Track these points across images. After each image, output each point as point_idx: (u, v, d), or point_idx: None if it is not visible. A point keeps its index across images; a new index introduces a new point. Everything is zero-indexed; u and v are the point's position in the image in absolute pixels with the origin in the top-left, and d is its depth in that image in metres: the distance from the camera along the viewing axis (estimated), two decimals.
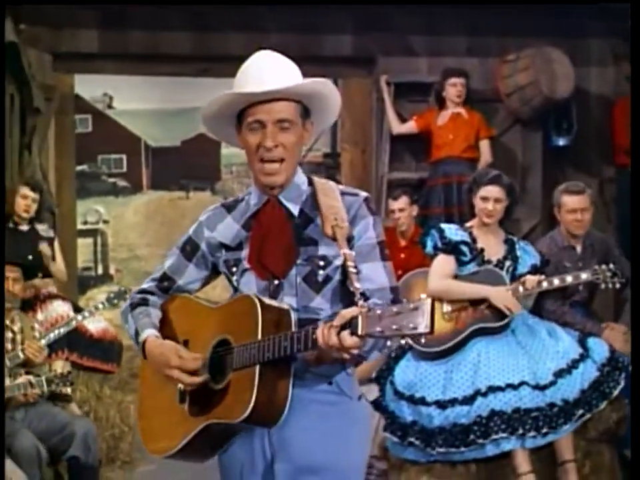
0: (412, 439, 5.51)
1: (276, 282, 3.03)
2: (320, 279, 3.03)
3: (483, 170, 6.04)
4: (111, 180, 9.00)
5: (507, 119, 8.56)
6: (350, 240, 2.98)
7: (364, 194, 3.11)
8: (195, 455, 3.17)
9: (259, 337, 2.89)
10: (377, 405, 5.78)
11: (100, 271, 9.09)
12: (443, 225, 5.80)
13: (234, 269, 3.11)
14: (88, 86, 8.60)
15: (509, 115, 8.54)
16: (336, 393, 3.02)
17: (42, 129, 7.68)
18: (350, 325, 2.67)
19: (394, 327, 2.58)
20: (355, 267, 2.88)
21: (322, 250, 3.04)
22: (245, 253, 3.09)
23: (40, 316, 6.43)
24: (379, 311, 2.62)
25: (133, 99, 8.82)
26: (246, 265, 3.08)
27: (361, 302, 2.73)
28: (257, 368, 2.87)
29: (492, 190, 5.59)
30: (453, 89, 8.12)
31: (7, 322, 5.51)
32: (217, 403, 3.00)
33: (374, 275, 3.01)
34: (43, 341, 5.55)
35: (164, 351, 3.07)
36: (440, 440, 5.41)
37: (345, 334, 2.67)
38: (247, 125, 2.99)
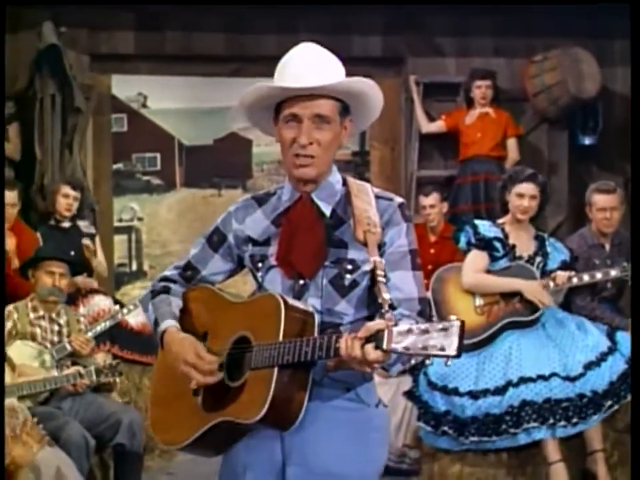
0: (445, 428, 5.64)
1: (301, 282, 2.95)
2: (347, 282, 2.94)
3: (518, 168, 6.13)
4: (145, 178, 9.07)
5: (534, 118, 8.65)
6: (381, 246, 2.92)
7: (399, 199, 3.03)
8: (203, 451, 3.12)
9: (280, 338, 2.82)
10: (411, 395, 5.92)
11: (134, 267, 9.21)
12: (477, 222, 5.94)
13: (259, 265, 3.03)
14: (123, 86, 8.77)
15: (535, 114, 8.63)
16: (353, 400, 2.96)
17: (81, 129, 7.84)
18: (375, 338, 2.60)
19: (420, 345, 2.51)
20: (385, 276, 2.84)
21: (351, 254, 2.95)
22: (272, 249, 3.01)
23: (82, 310, 6.56)
24: (406, 327, 2.56)
25: (166, 98, 8.94)
26: (272, 261, 3.00)
27: (388, 314, 2.68)
28: (275, 370, 2.80)
29: (528, 187, 5.72)
30: (478, 90, 8.27)
31: (53, 315, 5.66)
32: (232, 400, 2.93)
33: (403, 284, 2.93)
34: (90, 334, 5.68)
35: (183, 346, 3.00)
36: (472, 429, 5.54)
37: (369, 347, 2.60)
38: (283, 118, 2.93)
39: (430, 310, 2.93)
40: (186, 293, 3.17)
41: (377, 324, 2.62)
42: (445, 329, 2.48)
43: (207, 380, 2.93)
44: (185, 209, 9.57)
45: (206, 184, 9.46)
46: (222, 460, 3.09)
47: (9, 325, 5.54)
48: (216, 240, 3.11)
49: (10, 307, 5.65)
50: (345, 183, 3.04)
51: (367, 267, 2.91)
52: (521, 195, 5.74)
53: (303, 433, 2.89)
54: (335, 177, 3.03)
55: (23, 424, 4.08)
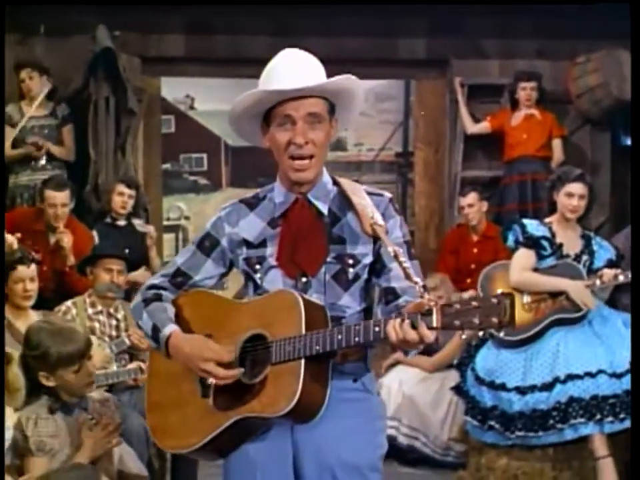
0: (492, 423, 5.73)
1: (304, 279, 3.03)
2: (350, 277, 3.04)
3: (567, 168, 6.18)
4: (192, 178, 9.23)
5: (577, 119, 8.72)
6: (376, 240, 3.03)
7: (388, 194, 3.14)
8: (210, 454, 3.14)
9: (303, 330, 2.88)
10: (458, 390, 6.04)
11: None
12: (525, 220, 6.00)
13: (257, 267, 3.08)
14: (171, 88, 8.93)
15: (578, 116, 8.69)
16: (360, 390, 3.06)
17: (134, 130, 8.00)
18: (424, 317, 2.68)
19: (475, 320, 2.61)
20: (385, 267, 3.00)
21: (350, 248, 3.04)
22: (269, 250, 3.07)
23: None
24: (457, 305, 2.64)
25: (213, 100, 9.08)
26: (272, 262, 3.06)
27: (427, 295, 2.73)
28: (302, 362, 2.86)
29: (577, 187, 5.80)
30: (523, 92, 8.36)
31: (111, 310, 5.77)
32: (252, 397, 2.96)
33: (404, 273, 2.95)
34: None
35: (195, 344, 3.03)
36: (519, 424, 5.61)
37: (424, 327, 2.68)
38: (276, 122, 2.97)
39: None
40: (177, 299, 3.20)
41: (421, 304, 2.70)
42: (498, 302, 2.59)
43: (227, 373, 2.96)
44: None
45: (251, 184, 9.57)
46: (226, 462, 3.13)
47: (68, 318, 5.69)
48: (208, 245, 3.14)
49: (68, 303, 5.80)
50: (335, 182, 3.13)
51: (367, 260, 3.04)
52: (570, 195, 5.82)
53: (315, 428, 2.97)
54: (326, 177, 3.12)
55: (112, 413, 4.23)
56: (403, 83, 9.21)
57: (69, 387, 3.97)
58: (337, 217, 3.08)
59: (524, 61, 8.62)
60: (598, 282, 5.73)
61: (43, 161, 7.53)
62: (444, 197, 8.90)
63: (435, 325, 2.67)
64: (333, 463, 2.99)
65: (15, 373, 3.51)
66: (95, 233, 7.08)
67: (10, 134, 7.64)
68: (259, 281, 3.08)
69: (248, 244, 3.09)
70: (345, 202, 3.08)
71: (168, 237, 9.14)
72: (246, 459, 3.05)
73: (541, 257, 5.88)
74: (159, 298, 3.18)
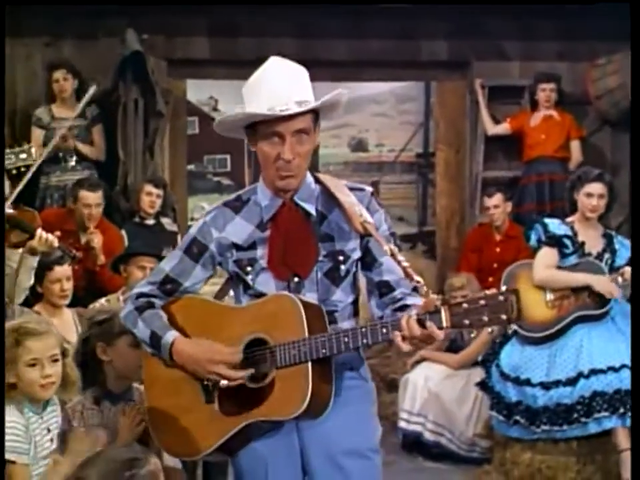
0: (517, 418, 5.84)
1: (296, 279, 3.10)
2: (342, 273, 3.12)
3: (586, 168, 6.28)
4: (216, 179, 9.34)
5: (596, 121, 8.79)
6: (364, 235, 3.11)
7: (369, 188, 3.21)
8: (222, 454, 3.19)
9: (306, 334, 2.96)
10: (484, 385, 6.15)
11: None
12: (547, 220, 6.10)
13: (248, 269, 3.13)
14: (195, 90, 9.04)
15: (598, 117, 8.76)
16: (357, 378, 3.20)
17: (161, 132, 8.13)
18: (432, 317, 2.80)
19: (484, 318, 2.72)
20: (376, 261, 3.12)
21: (339, 245, 3.12)
22: (260, 252, 3.13)
23: None
24: (465, 305, 2.75)
25: (236, 102, 9.19)
26: (263, 264, 3.12)
27: (432, 295, 2.84)
28: (310, 364, 2.94)
29: (596, 187, 5.91)
30: (543, 93, 8.45)
31: None
32: (260, 401, 3.02)
33: (394, 266, 3.06)
34: None
35: (202, 348, 3.08)
36: (544, 418, 5.73)
37: (432, 326, 2.80)
38: (263, 136, 3.03)
39: None
40: (167, 306, 3.23)
41: (431, 303, 2.82)
42: (505, 299, 2.70)
43: (239, 374, 3.03)
44: None
45: None
46: (232, 465, 3.23)
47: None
48: (196, 251, 3.18)
49: (102, 300, 5.92)
50: (317, 181, 3.20)
51: (355, 255, 3.13)
52: (589, 195, 5.93)
53: (319, 420, 3.08)
54: (308, 178, 3.18)
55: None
56: (423, 84, 9.32)
57: (123, 363, 4.00)
58: (324, 215, 3.15)
59: (544, 63, 8.70)
60: (620, 279, 5.82)
61: (72, 162, 7.65)
62: (465, 196, 9.00)
63: (444, 324, 2.79)
64: (338, 449, 3.10)
65: (72, 367, 3.63)
66: (123, 233, 7.19)
67: (40, 136, 7.74)
68: (250, 282, 3.14)
69: (237, 247, 3.15)
70: (329, 200, 3.14)
71: None
72: (255, 455, 3.14)
73: (563, 256, 5.98)
74: (151, 305, 3.21)
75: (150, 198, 7.35)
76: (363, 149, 9.41)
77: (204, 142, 9.25)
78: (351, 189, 3.18)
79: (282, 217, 3.13)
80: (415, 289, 3.08)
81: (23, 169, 4.68)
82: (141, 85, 7.94)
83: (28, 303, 5.33)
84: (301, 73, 3.09)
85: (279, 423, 3.08)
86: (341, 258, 3.12)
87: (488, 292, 2.80)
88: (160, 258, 6.05)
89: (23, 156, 4.64)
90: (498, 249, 7.83)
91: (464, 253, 8.23)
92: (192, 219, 9.18)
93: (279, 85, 3.01)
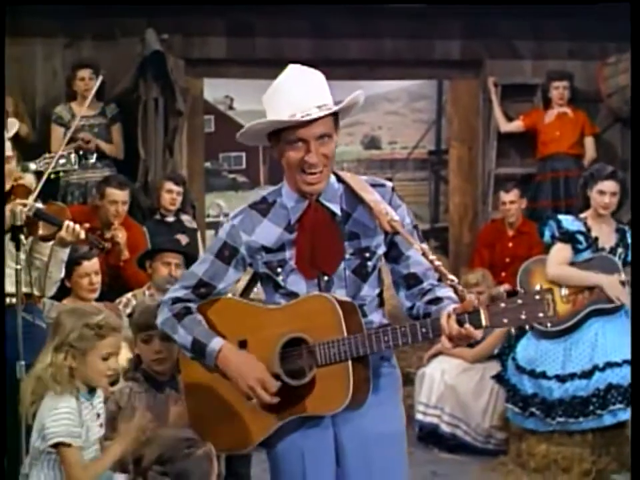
0: (533, 410, 5.96)
1: (325, 278, 3.17)
2: (369, 269, 3.20)
3: (599, 166, 6.36)
4: (231, 176, 9.40)
5: (608, 118, 8.88)
6: (388, 231, 3.16)
7: (390, 184, 3.27)
8: (262, 446, 3.25)
9: (344, 332, 3.05)
10: (500, 378, 6.29)
11: None
12: (560, 216, 6.20)
13: (279, 270, 3.19)
14: (211, 89, 9.13)
15: (609, 114, 8.85)
16: (387, 366, 3.28)
17: (181, 129, 8.25)
18: (471, 317, 2.88)
19: (522, 317, 2.81)
20: (403, 255, 3.18)
21: (365, 242, 3.19)
22: (288, 254, 3.19)
23: None
24: (503, 304, 2.85)
25: (252, 101, 9.25)
26: (293, 265, 3.18)
27: (470, 295, 2.95)
28: (350, 362, 3.03)
29: (609, 185, 5.99)
30: (556, 91, 8.58)
31: None
32: (302, 397, 3.11)
33: (420, 258, 3.13)
34: None
35: (249, 364, 3.15)
36: (560, 411, 5.85)
37: (469, 327, 2.88)
38: (287, 142, 3.09)
39: None
40: (201, 308, 3.29)
41: (470, 303, 2.91)
42: (541, 298, 2.80)
43: (272, 400, 3.10)
44: None
45: None
46: (268, 455, 3.28)
47: (127, 311, 5.94)
48: (227, 254, 3.24)
49: (129, 295, 6.06)
50: (339, 179, 3.25)
51: (380, 251, 3.21)
52: (602, 192, 6.01)
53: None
54: (332, 177, 3.23)
55: None
56: (436, 82, 9.42)
57: (144, 357, 4.29)
58: (348, 214, 3.21)
59: (556, 61, 8.83)
60: None
61: (92, 160, 7.75)
62: (477, 193, 9.11)
63: (484, 323, 2.89)
64: (370, 434, 3.19)
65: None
66: (145, 229, 7.31)
67: (60, 134, 7.87)
68: (282, 283, 3.21)
69: (267, 249, 3.22)
70: (353, 198, 3.20)
71: (209, 234, 9.34)
72: (292, 446, 3.21)
73: (577, 251, 6.07)
74: (189, 311, 3.27)
75: (171, 195, 7.46)
76: (375, 146, 9.48)
77: (220, 140, 9.33)
78: (372, 185, 3.24)
79: (308, 217, 3.20)
80: (440, 279, 3.15)
81: (61, 174, 4.82)
82: (160, 84, 8.06)
83: (56, 297, 5.44)
84: (319, 78, 3.15)
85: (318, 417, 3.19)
86: (367, 255, 3.19)
87: (524, 292, 2.92)
88: (185, 254, 6.24)
89: (62, 161, 4.77)
90: (510, 245, 7.95)
91: (477, 249, 8.33)
92: (208, 216, 9.29)
93: (299, 91, 3.07)
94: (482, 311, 2.87)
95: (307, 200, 3.20)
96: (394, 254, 3.26)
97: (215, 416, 3.29)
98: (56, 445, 3.48)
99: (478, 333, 2.91)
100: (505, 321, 2.85)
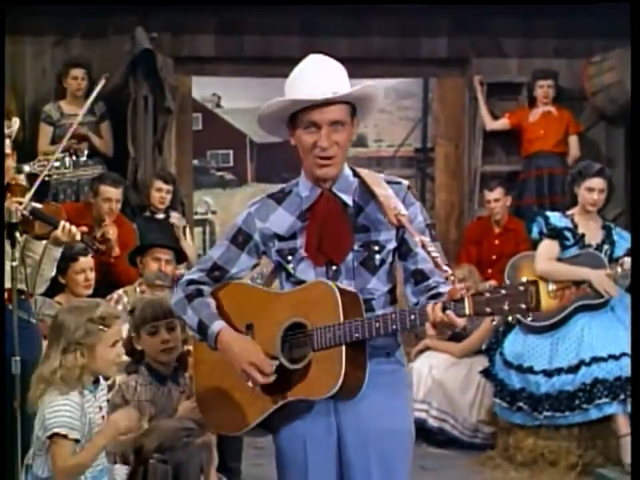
0: (520, 404, 6.03)
1: (334, 267, 3.23)
2: (377, 262, 3.23)
3: (586, 163, 6.44)
4: (219, 173, 9.44)
5: (592, 116, 8.95)
6: (400, 227, 3.21)
7: (406, 182, 3.33)
8: (258, 432, 3.37)
9: (341, 319, 3.09)
10: (487, 373, 6.35)
11: None
12: (548, 213, 6.28)
13: (289, 258, 3.27)
14: (199, 87, 9.16)
15: (594, 112, 8.92)
16: (393, 363, 3.30)
17: (170, 127, 8.29)
18: (456, 305, 2.91)
19: (504, 307, 2.83)
20: (411, 251, 3.21)
21: (374, 236, 3.24)
22: (300, 242, 3.26)
23: None
24: (487, 294, 2.87)
25: (239, 99, 9.31)
26: (303, 253, 3.25)
27: (459, 284, 2.97)
28: (344, 347, 3.08)
29: (597, 182, 6.07)
30: (541, 90, 8.64)
31: None
32: (297, 381, 3.18)
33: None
34: None
35: (244, 346, 3.23)
36: (547, 405, 5.92)
37: (451, 314, 2.91)
38: (302, 126, 3.18)
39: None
40: (215, 291, 3.39)
41: (456, 291, 2.94)
42: (525, 290, 2.82)
43: (266, 380, 3.19)
44: None
45: (276, 179, 9.78)
46: (278, 436, 3.35)
47: (119, 307, 5.98)
48: (241, 240, 3.35)
49: (120, 291, 6.11)
50: (355, 174, 3.32)
51: (391, 246, 3.25)
52: (591, 189, 6.08)
53: (356, 400, 3.20)
54: (347, 170, 3.31)
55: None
56: (422, 80, 9.47)
57: (150, 350, 4.35)
58: (361, 207, 3.27)
59: (542, 60, 8.88)
60: (619, 270, 5.99)
61: (84, 157, 7.77)
62: (464, 190, 9.16)
63: (467, 312, 2.91)
64: (372, 430, 3.22)
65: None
66: (134, 226, 7.35)
67: (48, 132, 7.91)
68: (292, 271, 3.29)
69: (279, 237, 3.31)
70: (366, 192, 3.27)
71: (196, 231, 9.38)
72: (294, 433, 3.29)
73: (564, 247, 6.15)
74: (200, 293, 3.37)
75: (160, 194, 7.50)
76: (362, 144, 9.53)
77: (207, 138, 9.39)
78: (388, 182, 3.29)
79: (320, 206, 3.27)
80: (447, 279, 3.17)
81: (55, 177, 4.86)
82: (150, 82, 8.10)
83: (47, 294, 5.48)
84: (337, 67, 3.25)
85: (318, 403, 3.23)
86: (376, 248, 3.24)
87: (509, 283, 2.98)
88: (175, 250, 6.29)
89: (57, 164, 4.81)
90: (497, 242, 8.00)
91: (464, 246, 8.38)
92: (196, 213, 9.34)
93: (315, 77, 3.18)
94: (466, 299, 2.90)
95: (321, 189, 3.27)
96: (404, 250, 3.31)
97: (217, 396, 3.39)
98: (52, 436, 3.54)
99: (460, 321, 2.94)
100: (488, 310, 2.87)
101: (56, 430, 3.53)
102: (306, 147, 3.20)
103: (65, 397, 3.57)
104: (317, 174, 3.24)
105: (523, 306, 2.83)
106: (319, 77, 3.18)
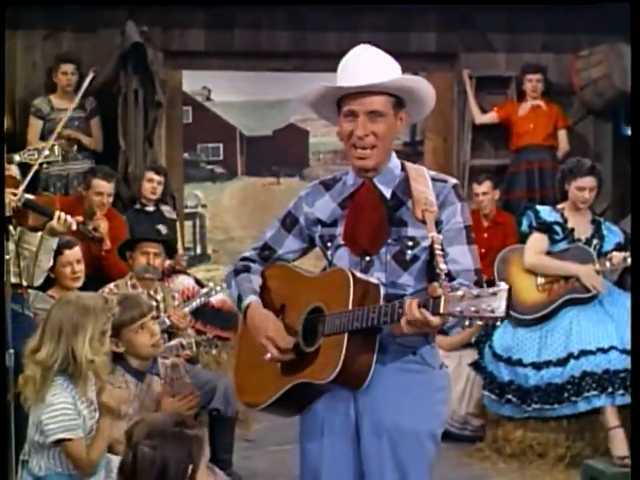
0: (509, 397, 6.07)
1: (367, 258, 3.23)
2: (408, 257, 3.22)
3: (576, 160, 6.45)
4: (209, 167, 9.50)
5: (580, 110, 8.99)
6: (438, 224, 3.17)
7: (453, 180, 3.32)
8: (282, 411, 3.43)
9: (350, 306, 3.11)
10: (477, 366, 6.38)
11: (198, 251, 9.63)
12: (538, 207, 6.32)
13: (328, 244, 3.32)
14: (189, 80, 9.20)
15: (582, 106, 8.96)
16: (419, 363, 3.26)
17: (160, 121, 8.31)
18: (432, 303, 2.86)
19: (472, 309, 2.75)
20: (442, 250, 3.06)
21: (411, 231, 3.23)
22: (339, 229, 3.30)
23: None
24: (460, 293, 2.80)
25: (229, 92, 9.34)
26: (340, 241, 3.29)
27: (445, 282, 2.89)
28: (345, 335, 3.09)
29: (589, 180, 6.12)
30: (530, 84, 8.67)
31: (151, 292, 6.06)
32: (307, 364, 3.22)
33: (460, 257, 3.19)
34: (186, 309, 6.03)
35: (265, 320, 3.32)
36: (535, 397, 5.96)
37: (426, 311, 2.87)
38: (342, 114, 3.22)
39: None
40: (265, 271, 3.50)
41: (433, 290, 2.90)
42: (494, 294, 2.75)
43: (281, 356, 3.27)
44: (246, 196, 9.97)
45: (266, 172, 9.85)
46: (301, 419, 3.42)
47: None
48: (289, 222, 3.45)
49: (111, 285, 6.10)
50: (403, 168, 3.32)
51: (426, 243, 3.21)
52: (582, 188, 6.13)
53: (374, 393, 3.20)
54: (394, 163, 3.32)
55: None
56: (411, 74, 9.48)
57: (137, 348, 4.38)
58: (401, 201, 3.26)
59: (530, 54, 8.92)
60: (608, 264, 6.05)
61: (73, 152, 7.80)
62: None
63: (441, 310, 2.84)
64: (389, 426, 3.23)
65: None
66: (125, 220, 7.37)
67: (38, 126, 7.92)
68: (330, 258, 3.35)
69: (322, 223, 3.37)
70: (409, 187, 3.26)
71: (186, 224, 9.42)
72: (314, 415, 3.35)
73: (553, 241, 6.20)
74: (247, 269, 3.49)
75: (151, 184, 7.53)
76: None
77: (197, 131, 9.44)
78: (434, 180, 3.29)
79: (359, 195, 3.30)
80: (477, 282, 3.17)
81: (45, 165, 4.87)
82: (140, 75, 8.11)
83: (40, 288, 5.51)
84: (385, 60, 3.29)
85: (330, 389, 3.23)
86: (410, 243, 3.23)
87: (485, 286, 2.94)
88: (164, 243, 6.30)
89: (46, 153, 4.83)
90: (485, 235, 8.00)
91: None
92: (186, 207, 9.37)
93: (358, 66, 3.22)
94: (442, 298, 2.85)
95: (363, 179, 3.29)
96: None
97: (247, 372, 3.51)
98: (57, 441, 3.57)
99: (434, 320, 2.88)
100: (458, 309, 2.78)
101: (60, 436, 3.57)
102: (345, 135, 3.24)
103: (60, 399, 3.61)
104: (355, 164, 3.28)
105: (490, 311, 2.74)
106: (359, 66, 3.21)
